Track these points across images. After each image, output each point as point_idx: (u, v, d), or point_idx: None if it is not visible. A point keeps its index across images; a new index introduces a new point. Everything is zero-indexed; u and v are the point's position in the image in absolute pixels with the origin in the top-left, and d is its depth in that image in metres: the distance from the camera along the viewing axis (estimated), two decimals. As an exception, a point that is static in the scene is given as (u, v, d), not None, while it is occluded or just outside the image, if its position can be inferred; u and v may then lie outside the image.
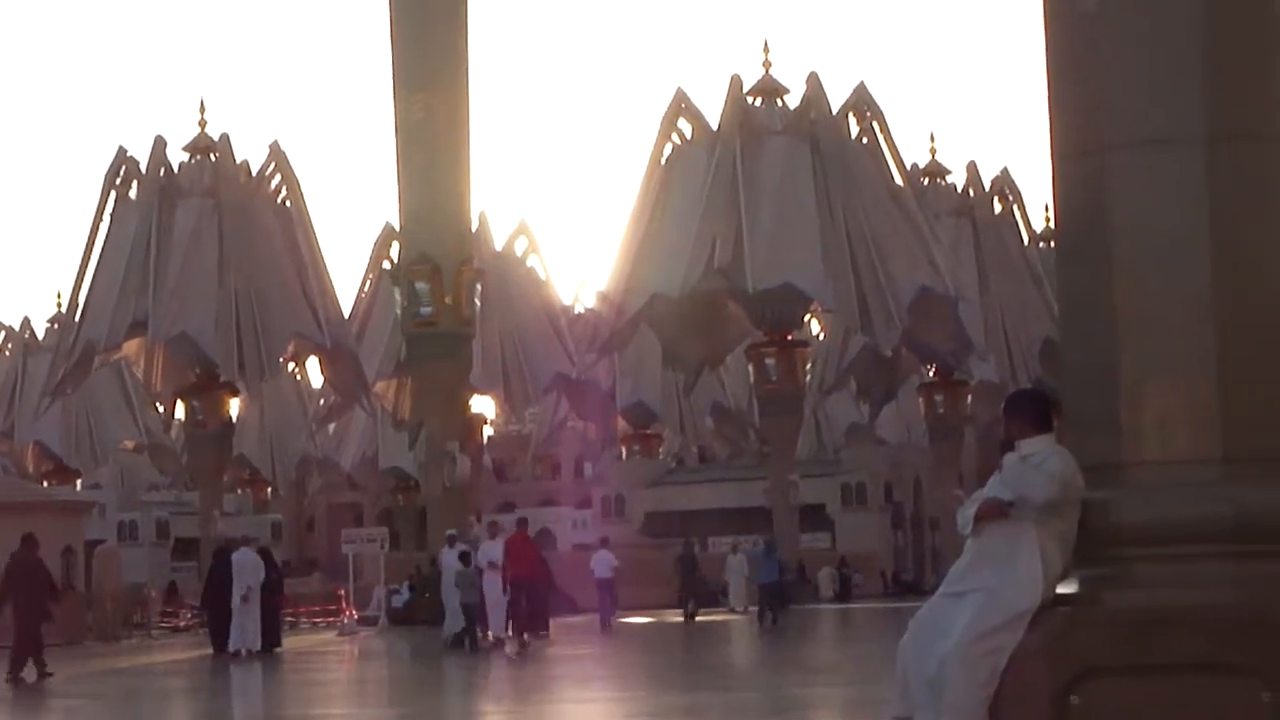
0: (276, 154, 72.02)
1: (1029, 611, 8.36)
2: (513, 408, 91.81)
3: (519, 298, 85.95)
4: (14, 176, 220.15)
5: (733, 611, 52.25)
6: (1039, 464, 8.56)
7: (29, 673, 27.99)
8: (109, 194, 69.79)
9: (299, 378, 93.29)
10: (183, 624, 51.85)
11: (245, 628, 35.66)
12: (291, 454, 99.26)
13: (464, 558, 36.79)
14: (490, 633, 36.31)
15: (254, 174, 71.82)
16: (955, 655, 8.33)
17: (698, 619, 46.74)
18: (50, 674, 28.23)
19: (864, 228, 67.86)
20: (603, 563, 46.07)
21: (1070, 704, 8.03)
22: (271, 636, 36.88)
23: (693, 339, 71.14)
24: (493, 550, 36.83)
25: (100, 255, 69.06)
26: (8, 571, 29.74)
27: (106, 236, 69.22)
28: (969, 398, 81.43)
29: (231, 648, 35.43)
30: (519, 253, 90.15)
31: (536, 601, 37.02)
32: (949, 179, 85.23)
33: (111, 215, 69.45)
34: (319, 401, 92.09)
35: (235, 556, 36.84)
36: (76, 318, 69.77)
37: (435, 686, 27.33)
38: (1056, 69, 8.79)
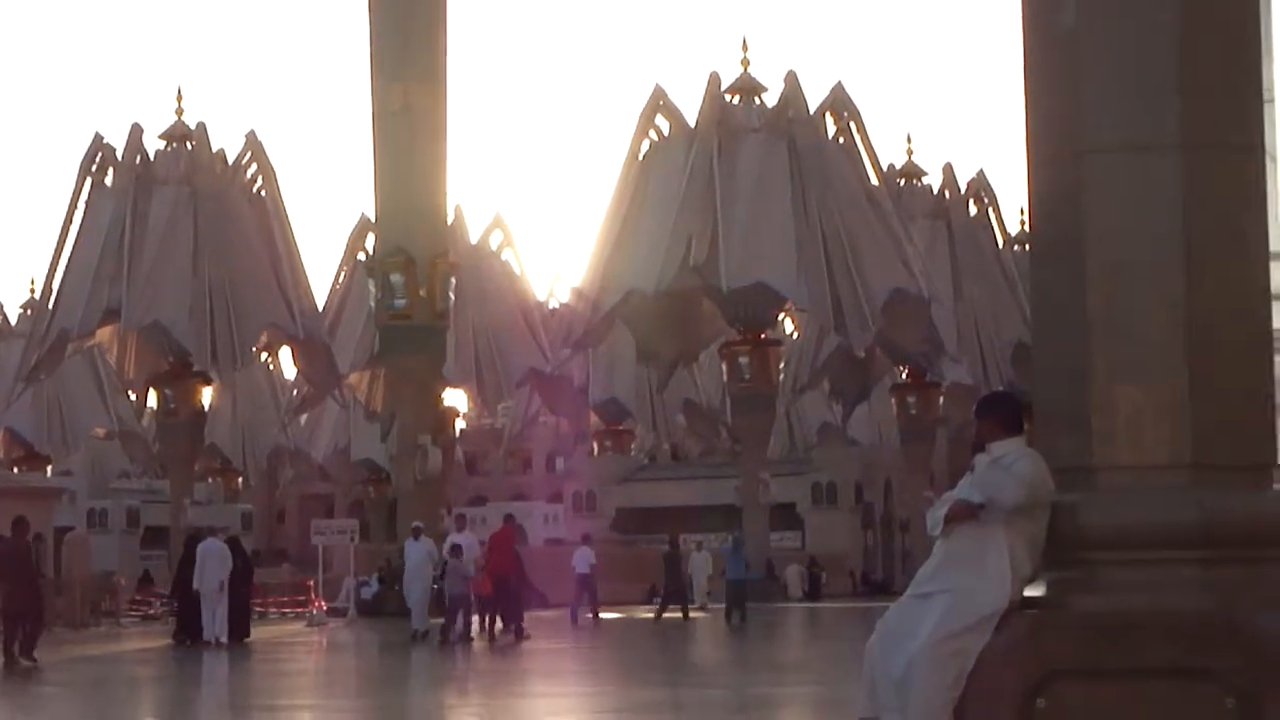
0: (253, 143, 71.95)
1: (996, 614, 8.39)
2: (485, 401, 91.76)
3: (493, 291, 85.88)
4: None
5: (699, 609, 52.28)
6: (1009, 466, 8.60)
7: None
8: (85, 181, 69.63)
9: (272, 368, 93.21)
10: (153, 612, 51.73)
11: (215, 617, 35.61)
12: (263, 444, 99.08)
13: (455, 550, 36.75)
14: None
15: (230, 163, 71.73)
16: (922, 656, 8.36)
17: (682, 616, 45.87)
18: (19, 662, 28.47)
19: (839, 228, 67.91)
20: (582, 559, 46.56)
21: (1036, 707, 8.06)
22: (241, 627, 36.82)
23: (667, 336, 71.18)
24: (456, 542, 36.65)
25: (75, 242, 68.89)
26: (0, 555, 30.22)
27: (81, 223, 69.05)
28: (941, 399, 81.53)
29: (205, 637, 35.36)
30: (494, 246, 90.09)
31: (510, 597, 36.93)
32: (925, 180, 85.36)
33: (87, 202, 69.30)
34: (292, 392, 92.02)
35: (201, 546, 36.76)
36: (50, 304, 69.58)
37: (404, 679, 27.31)
38: (1035, 77, 8.83)
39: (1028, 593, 8.49)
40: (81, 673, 28.76)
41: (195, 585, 35.82)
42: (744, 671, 27.27)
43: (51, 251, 69.36)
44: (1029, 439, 8.83)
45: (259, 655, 33.42)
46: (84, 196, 69.41)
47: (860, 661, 8.77)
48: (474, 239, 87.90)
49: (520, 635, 35.46)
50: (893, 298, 68.73)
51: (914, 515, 77.84)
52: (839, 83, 71.33)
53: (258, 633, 39.16)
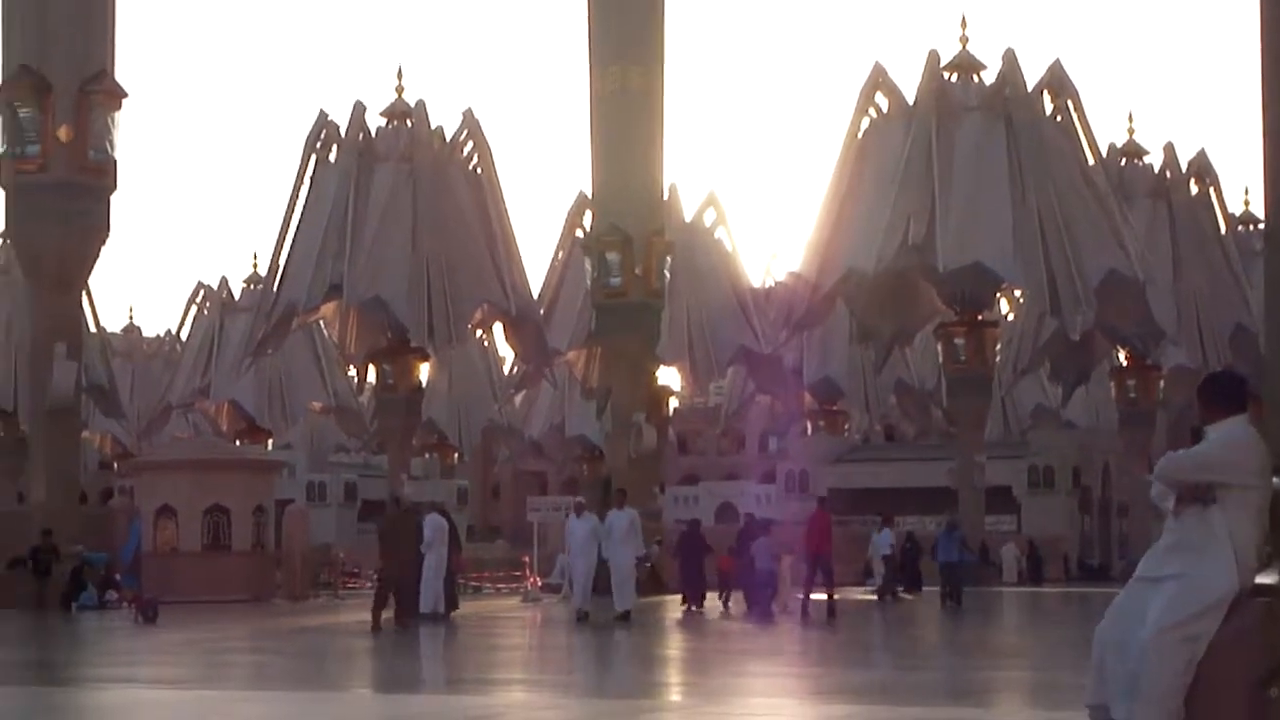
0: (470, 122, 72.43)
1: (1226, 600, 8.24)
2: (696, 380, 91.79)
3: (706, 270, 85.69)
4: (219, 139, 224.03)
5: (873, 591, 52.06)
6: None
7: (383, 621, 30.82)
8: (310, 157, 70.44)
9: (486, 345, 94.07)
10: (368, 585, 52.48)
11: (431, 590, 35.78)
12: (478, 420, 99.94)
13: (766, 528, 37.79)
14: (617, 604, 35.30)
15: (447, 141, 72.29)
16: (1152, 642, 8.23)
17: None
18: (393, 629, 30.78)
19: (1055, 208, 67.09)
20: (883, 542, 48.57)
21: (1269, 697, 7.92)
22: (449, 600, 37.01)
23: (885, 316, 70.81)
24: (621, 519, 36.05)
25: (300, 218, 69.70)
26: (382, 532, 33.12)
27: (306, 199, 69.83)
28: (1161, 383, 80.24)
29: (423, 609, 35.58)
30: (707, 225, 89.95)
31: (825, 577, 37.08)
32: (1146, 160, 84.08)
33: (312, 178, 70.09)
34: (507, 369, 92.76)
35: (427, 519, 37.00)
36: (276, 279, 70.46)
37: (614, 656, 27.37)
38: (1271, 56, 8.66)
39: (1259, 580, 8.34)
40: (299, 643, 29.20)
41: (429, 558, 35.90)
42: (960, 655, 27.05)
43: (278, 226, 70.28)
44: (1254, 419, 8.67)
45: (474, 628, 33.70)
46: (309, 173, 70.24)
47: (1081, 648, 8.65)
48: (688, 217, 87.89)
49: (832, 612, 35.44)
50: (1107, 279, 67.74)
51: (1133, 500, 76.86)
52: (1057, 60, 70.52)
53: (474, 607, 39.47)
